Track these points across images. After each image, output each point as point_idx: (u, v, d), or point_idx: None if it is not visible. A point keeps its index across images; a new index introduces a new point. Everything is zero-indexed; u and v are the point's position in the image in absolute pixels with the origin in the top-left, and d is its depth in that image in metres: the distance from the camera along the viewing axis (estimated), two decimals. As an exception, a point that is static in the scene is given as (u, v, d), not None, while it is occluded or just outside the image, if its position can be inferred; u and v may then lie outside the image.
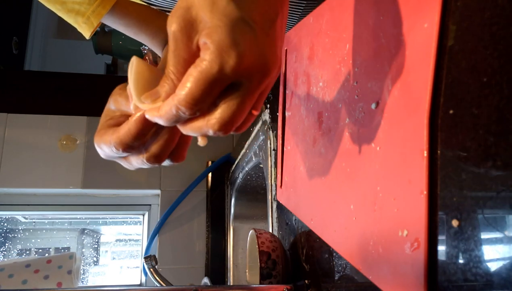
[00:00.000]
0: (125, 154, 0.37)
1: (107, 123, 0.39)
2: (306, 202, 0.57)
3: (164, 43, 0.59)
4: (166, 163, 0.39)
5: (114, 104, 0.39)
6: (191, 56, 0.31)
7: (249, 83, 0.31)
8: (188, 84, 0.30)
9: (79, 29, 0.59)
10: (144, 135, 0.35)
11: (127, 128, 0.35)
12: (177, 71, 0.32)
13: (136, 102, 0.34)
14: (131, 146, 0.36)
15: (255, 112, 0.34)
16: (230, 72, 0.30)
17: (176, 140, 0.38)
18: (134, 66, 0.35)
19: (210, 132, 0.32)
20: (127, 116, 0.38)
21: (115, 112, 0.39)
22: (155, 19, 0.60)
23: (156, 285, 0.85)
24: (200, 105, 0.31)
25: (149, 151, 0.37)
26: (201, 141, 0.35)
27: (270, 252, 0.64)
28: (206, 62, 0.30)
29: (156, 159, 0.38)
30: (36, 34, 2.25)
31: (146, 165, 0.38)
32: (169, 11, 0.59)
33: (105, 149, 0.37)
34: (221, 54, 0.29)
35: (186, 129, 0.33)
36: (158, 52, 0.61)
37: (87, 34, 0.59)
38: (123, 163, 0.39)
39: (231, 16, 0.30)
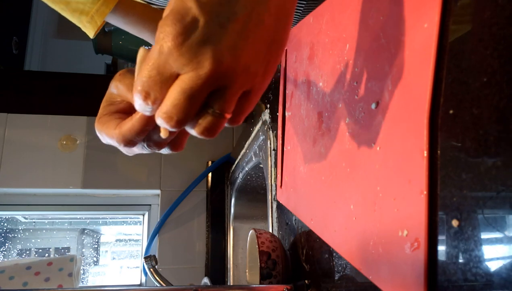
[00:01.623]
0: (126, 148, 0.38)
1: (108, 108, 0.39)
2: (306, 202, 0.57)
3: None
4: (165, 150, 0.40)
5: (115, 89, 0.39)
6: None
7: (228, 89, 0.32)
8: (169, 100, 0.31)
9: (84, 29, 0.59)
10: (147, 131, 0.36)
11: (131, 125, 0.35)
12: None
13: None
14: (134, 141, 0.36)
15: (227, 116, 0.34)
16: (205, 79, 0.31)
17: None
18: (140, 58, 0.34)
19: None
20: (127, 102, 0.39)
21: (116, 98, 0.40)
22: (157, 17, 0.60)
23: (156, 285, 0.85)
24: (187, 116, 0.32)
25: (150, 138, 0.38)
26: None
27: (270, 252, 0.64)
28: (186, 76, 0.30)
29: (156, 145, 0.38)
30: (36, 34, 2.25)
31: (146, 151, 0.39)
32: None
33: (107, 139, 0.38)
34: (194, 64, 0.30)
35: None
36: None
37: (91, 34, 0.59)
38: (123, 150, 0.39)
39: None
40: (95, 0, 0.56)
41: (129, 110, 0.39)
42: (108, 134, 0.37)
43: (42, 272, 1.22)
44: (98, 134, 0.39)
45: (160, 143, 0.38)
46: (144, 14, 0.60)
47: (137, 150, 0.39)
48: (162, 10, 0.61)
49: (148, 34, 0.61)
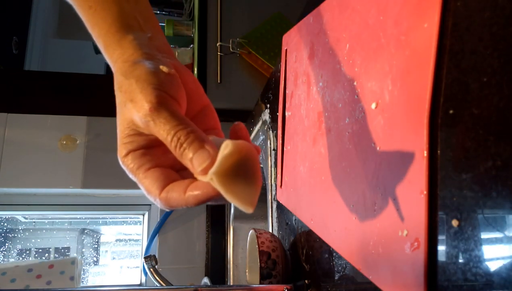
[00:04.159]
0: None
1: (136, 141, 0.33)
2: (306, 202, 0.57)
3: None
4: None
5: (145, 126, 0.32)
6: None
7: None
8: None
9: None
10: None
11: (183, 201, 0.31)
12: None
13: (217, 187, 0.29)
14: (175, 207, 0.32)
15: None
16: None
17: None
18: (228, 153, 0.29)
19: None
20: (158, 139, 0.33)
21: (142, 129, 0.33)
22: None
23: (156, 285, 0.85)
24: None
25: None
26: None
27: (270, 252, 0.64)
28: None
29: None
30: (36, 34, 2.25)
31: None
32: None
33: (140, 186, 0.33)
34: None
35: None
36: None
37: None
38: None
39: None
40: None
41: (162, 143, 0.32)
42: (145, 188, 0.32)
43: (44, 275, 1.22)
44: (126, 171, 0.34)
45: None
46: None
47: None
48: None
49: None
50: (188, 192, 0.31)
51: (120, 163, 0.34)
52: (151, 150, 0.34)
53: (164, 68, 0.34)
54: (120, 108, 0.34)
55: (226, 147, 0.29)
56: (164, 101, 0.32)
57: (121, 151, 0.34)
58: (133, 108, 0.32)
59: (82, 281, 1.53)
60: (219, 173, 0.29)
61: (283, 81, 0.72)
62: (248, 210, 0.29)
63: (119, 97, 0.34)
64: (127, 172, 0.34)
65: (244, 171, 0.29)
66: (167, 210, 0.34)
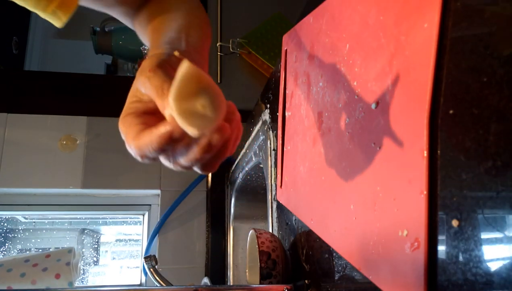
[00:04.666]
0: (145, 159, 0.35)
1: (135, 106, 0.37)
2: (306, 202, 0.57)
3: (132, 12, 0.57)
4: (197, 169, 0.37)
5: (143, 87, 0.36)
6: None
7: None
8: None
9: (50, 18, 0.52)
10: (166, 149, 0.34)
11: (149, 141, 0.33)
12: None
13: (173, 112, 0.31)
14: (150, 157, 0.34)
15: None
16: None
17: (210, 152, 0.35)
18: (183, 72, 0.31)
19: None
20: (154, 103, 0.36)
21: (143, 95, 0.37)
22: None
23: (156, 285, 0.85)
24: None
25: (177, 161, 0.35)
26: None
27: (270, 252, 0.64)
28: None
29: (183, 168, 0.36)
30: (36, 34, 2.25)
31: (172, 168, 0.37)
32: None
33: (126, 144, 0.36)
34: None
35: None
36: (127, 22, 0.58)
37: (60, 22, 0.52)
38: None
39: None
40: None
41: (158, 111, 0.35)
42: (127, 141, 0.35)
43: (40, 263, 1.21)
44: (120, 132, 0.37)
45: (187, 168, 0.36)
46: None
47: (163, 161, 0.36)
48: None
49: (117, 11, 0.57)
50: (153, 131, 0.33)
51: (119, 124, 0.37)
52: (146, 115, 0.37)
53: (176, 52, 0.38)
54: (133, 84, 0.38)
55: (179, 71, 0.31)
56: (163, 66, 0.36)
57: (122, 115, 0.37)
58: (139, 76, 0.36)
59: (82, 281, 1.53)
60: (174, 96, 0.30)
61: (283, 81, 0.72)
62: (194, 133, 0.31)
63: (136, 77, 0.38)
64: (121, 133, 0.36)
65: (196, 92, 0.31)
66: (141, 161, 0.35)
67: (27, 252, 1.70)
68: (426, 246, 0.30)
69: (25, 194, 1.45)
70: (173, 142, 0.32)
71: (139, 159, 0.35)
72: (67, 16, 0.51)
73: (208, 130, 0.32)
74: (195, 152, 0.34)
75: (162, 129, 0.32)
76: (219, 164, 0.37)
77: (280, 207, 0.73)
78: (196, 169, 0.37)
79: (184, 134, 0.32)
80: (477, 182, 0.26)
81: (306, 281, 0.59)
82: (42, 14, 0.51)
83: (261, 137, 0.89)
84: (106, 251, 1.83)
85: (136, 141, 0.34)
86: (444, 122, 0.30)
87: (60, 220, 1.76)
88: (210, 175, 1.49)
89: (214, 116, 0.31)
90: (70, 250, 1.27)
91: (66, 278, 1.20)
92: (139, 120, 0.36)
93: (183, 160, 0.35)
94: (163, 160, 0.36)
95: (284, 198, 0.68)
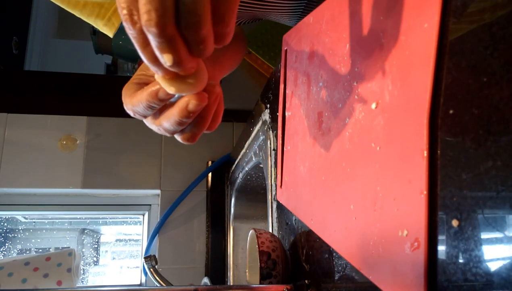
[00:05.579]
0: (137, 115, 0.40)
1: (138, 77, 0.42)
2: (306, 202, 0.57)
3: None
4: (177, 136, 0.41)
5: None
6: None
7: None
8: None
9: (102, 30, 0.59)
10: (155, 107, 0.38)
11: (140, 97, 0.38)
12: None
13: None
14: (141, 113, 0.38)
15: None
16: None
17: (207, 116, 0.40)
18: None
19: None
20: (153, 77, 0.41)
21: (149, 70, 0.41)
22: None
23: (156, 285, 0.85)
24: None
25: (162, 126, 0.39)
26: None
27: (270, 252, 0.64)
28: None
29: (166, 131, 0.40)
30: (36, 34, 2.25)
31: (157, 131, 0.41)
32: None
33: (124, 105, 0.40)
34: None
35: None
36: None
37: (110, 34, 0.59)
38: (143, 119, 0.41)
39: None
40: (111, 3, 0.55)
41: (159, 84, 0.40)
42: (124, 102, 0.40)
43: (41, 268, 1.21)
44: (123, 99, 0.40)
45: (171, 130, 0.39)
46: None
47: (151, 125, 0.40)
48: None
49: None
50: (144, 89, 0.38)
51: (122, 90, 0.41)
52: (146, 85, 0.40)
53: None
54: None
55: None
56: None
57: (127, 83, 0.41)
58: None
59: (82, 281, 1.53)
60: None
61: (283, 81, 0.72)
62: (172, 91, 0.35)
63: None
64: (122, 96, 0.40)
65: None
66: (137, 117, 0.41)
67: (27, 252, 1.70)
68: (426, 246, 0.30)
69: (25, 194, 1.45)
70: (159, 101, 0.37)
71: (131, 113, 0.40)
72: (119, 21, 0.56)
73: (187, 94, 0.36)
74: (175, 113, 0.38)
75: (151, 87, 0.37)
76: (199, 136, 0.41)
77: (280, 207, 0.73)
78: (177, 136, 0.41)
79: (168, 95, 0.37)
80: (477, 182, 0.26)
81: (306, 281, 0.59)
82: (96, 23, 0.56)
83: (261, 137, 0.89)
84: (106, 251, 1.83)
85: (130, 98, 0.39)
86: (444, 122, 0.30)
87: (60, 220, 1.76)
88: (210, 174, 1.49)
89: (193, 82, 0.35)
90: (70, 253, 1.27)
91: (68, 285, 1.21)
92: (139, 87, 0.40)
93: (166, 122, 0.39)
94: (150, 123, 0.40)
95: (284, 198, 0.68)
